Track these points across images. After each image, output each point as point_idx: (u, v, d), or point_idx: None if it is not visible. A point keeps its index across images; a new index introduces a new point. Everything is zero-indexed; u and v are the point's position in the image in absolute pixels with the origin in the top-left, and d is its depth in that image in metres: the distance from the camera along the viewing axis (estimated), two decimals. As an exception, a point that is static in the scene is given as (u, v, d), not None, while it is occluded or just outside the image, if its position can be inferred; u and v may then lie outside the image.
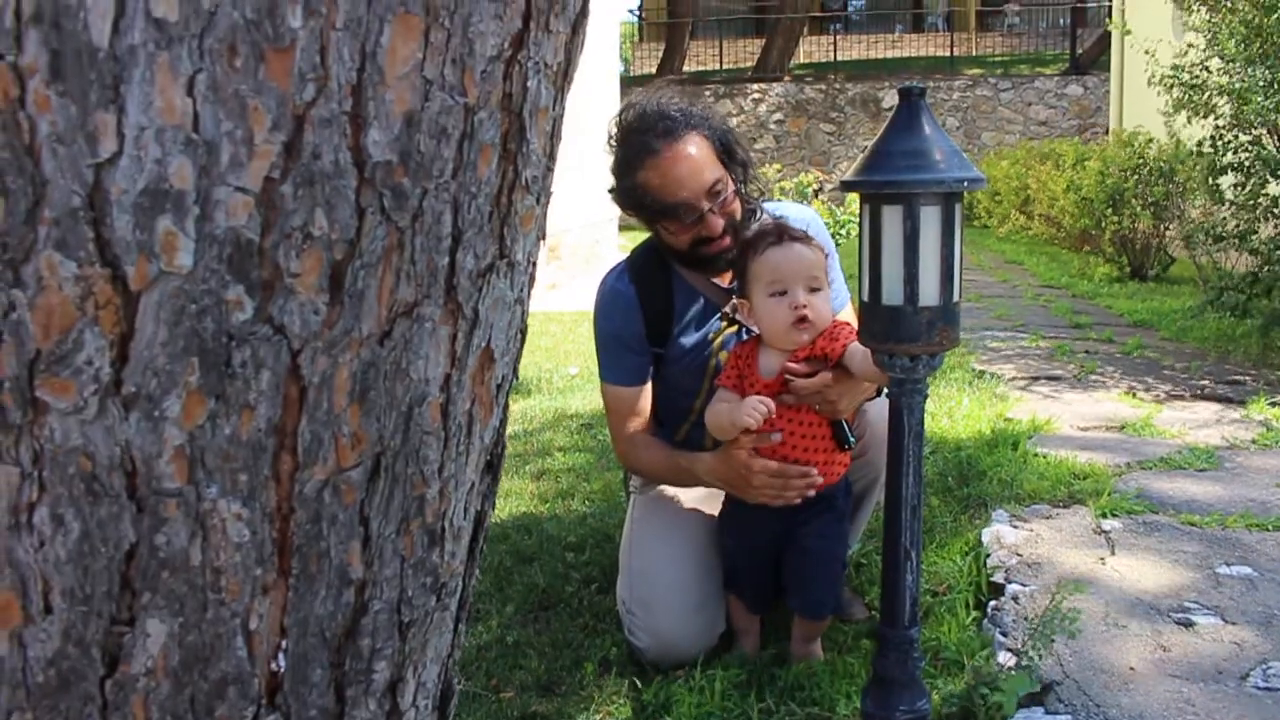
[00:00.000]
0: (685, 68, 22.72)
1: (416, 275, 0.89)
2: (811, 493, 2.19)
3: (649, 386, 2.43)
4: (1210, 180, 5.67)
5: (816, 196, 14.91)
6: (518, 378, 1.10)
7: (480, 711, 2.20)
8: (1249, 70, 5.21)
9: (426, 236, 0.89)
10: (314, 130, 0.81)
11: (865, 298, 1.78)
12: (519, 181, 0.96)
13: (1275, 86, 5.02)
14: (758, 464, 2.15)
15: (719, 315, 2.39)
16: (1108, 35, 14.85)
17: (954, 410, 4.36)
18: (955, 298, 1.77)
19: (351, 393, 0.88)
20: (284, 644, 0.93)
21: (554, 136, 1.01)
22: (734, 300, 2.34)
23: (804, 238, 2.22)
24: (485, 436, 1.03)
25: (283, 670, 0.93)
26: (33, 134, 0.77)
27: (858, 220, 1.92)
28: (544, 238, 1.07)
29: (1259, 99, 5.11)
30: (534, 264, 1.05)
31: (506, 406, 1.10)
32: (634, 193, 2.29)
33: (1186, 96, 5.65)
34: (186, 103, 0.78)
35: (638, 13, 27.99)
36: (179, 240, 0.79)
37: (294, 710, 0.95)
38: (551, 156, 1.02)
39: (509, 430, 4.41)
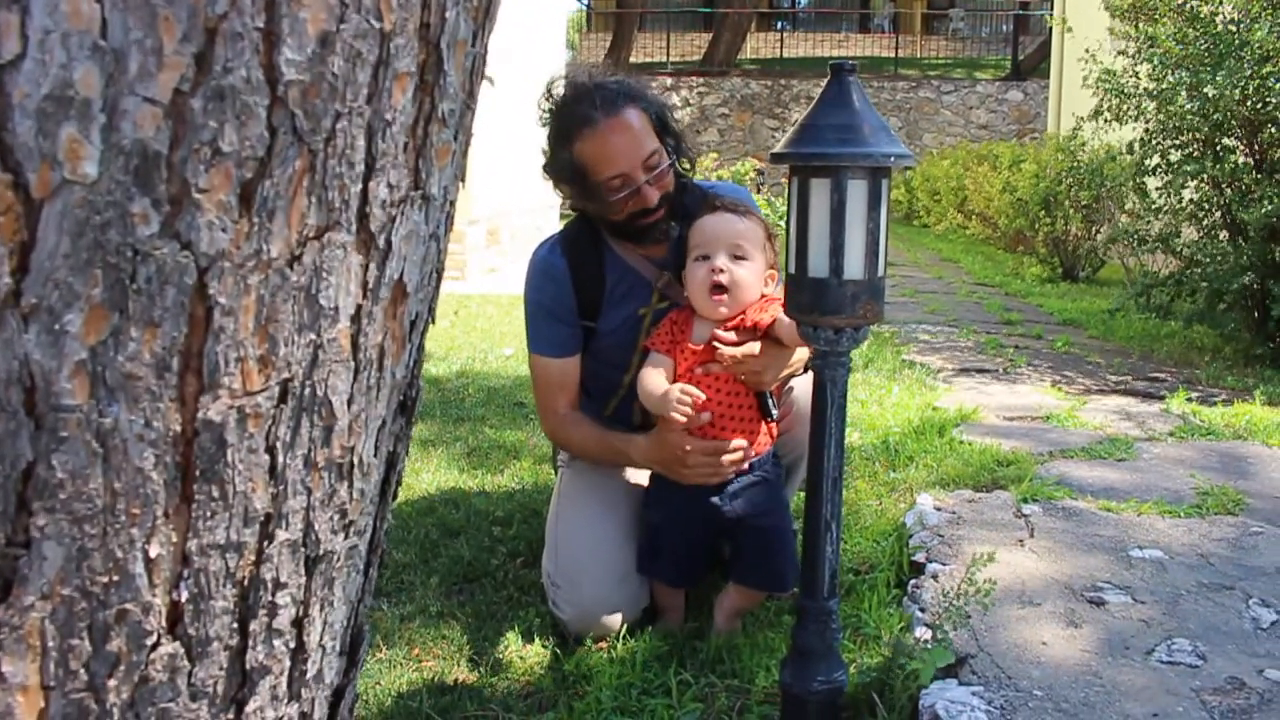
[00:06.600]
0: (632, 59, 22.72)
1: (328, 200, 0.88)
2: (746, 465, 2.22)
3: (577, 359, 2.43)
4: (1136, 180, 5.81)
5: (759, 191, 14.99)
6: (434, 319, 1.09)
7: (401, 679, 2.19)
8: (1173, 74, 5.35)
9: (339, 161, 0.88)
10: (225, 44, 0.80)
11: (791, 270, 1.80)
12: (435, 114, 0.95)
13: (1196, 91, 5.16)
14: (692, 444, 2.17)
15: (650, 290, 2.39)
16: (1048, 43, 15.10)
17: (884, 399, 4.42)
18: (880, 272, 1.80)
19: (259, 316, 0.86)
20: (185, 573, 0.91)
21: (474, 74, 1.00)
22: (665, 275, 2.35)
23: (743, 211, 2.24)
24: (397, 373, 1.02)
25: (184, 600, 0.92)
26: (-69, 32, 0.75)
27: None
28: (463, 179, 1.06)
29: (1181, 101, 5.25)
30: (452, 203, 1.04)
31: (422, 347, 1.09)
32: (570, 165, 2.28)
33: (1114, 101, 5.79)
34: (94, 8, 0.76)
35: (586, 1, 27.92)
36: (84, 149, 0.77)
37: (195, 641, 0.93)
38: (471, 94, 1.01)
39: (444, 408, 4.38)
